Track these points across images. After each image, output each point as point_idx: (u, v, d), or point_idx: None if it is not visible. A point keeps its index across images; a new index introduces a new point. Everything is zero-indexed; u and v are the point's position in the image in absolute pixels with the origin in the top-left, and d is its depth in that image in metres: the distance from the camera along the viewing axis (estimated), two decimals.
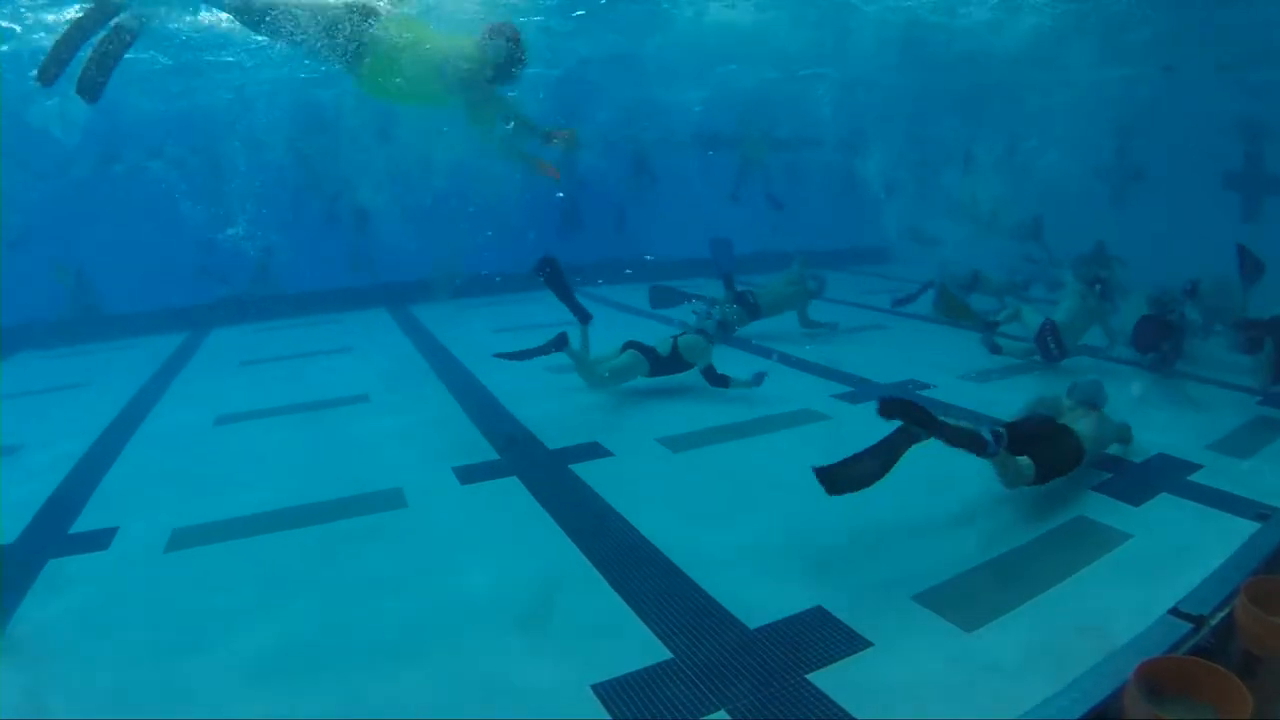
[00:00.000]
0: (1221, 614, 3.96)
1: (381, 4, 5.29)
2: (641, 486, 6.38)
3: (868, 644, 4.19)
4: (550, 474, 6.66)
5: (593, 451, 7.10)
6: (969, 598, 4.65)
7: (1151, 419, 7.69)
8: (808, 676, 3.92)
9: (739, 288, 12.01)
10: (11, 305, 12.58)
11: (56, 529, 5.90)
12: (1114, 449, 6.77)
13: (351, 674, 4.02)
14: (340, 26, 5.09)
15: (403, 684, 3.94)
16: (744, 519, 5.78)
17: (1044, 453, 5.70)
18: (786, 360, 10.40)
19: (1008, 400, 7.72)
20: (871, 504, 5.90)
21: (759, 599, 4.64)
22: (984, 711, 3.63)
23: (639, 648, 4.21)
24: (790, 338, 11.66)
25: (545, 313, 14.47)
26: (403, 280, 16.71)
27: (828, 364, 10.11)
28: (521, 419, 8.05)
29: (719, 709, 3.70)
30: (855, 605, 4.55)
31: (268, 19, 5.10)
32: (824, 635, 4.28)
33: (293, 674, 4.03)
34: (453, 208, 18.85)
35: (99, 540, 5.65)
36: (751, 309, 11.74)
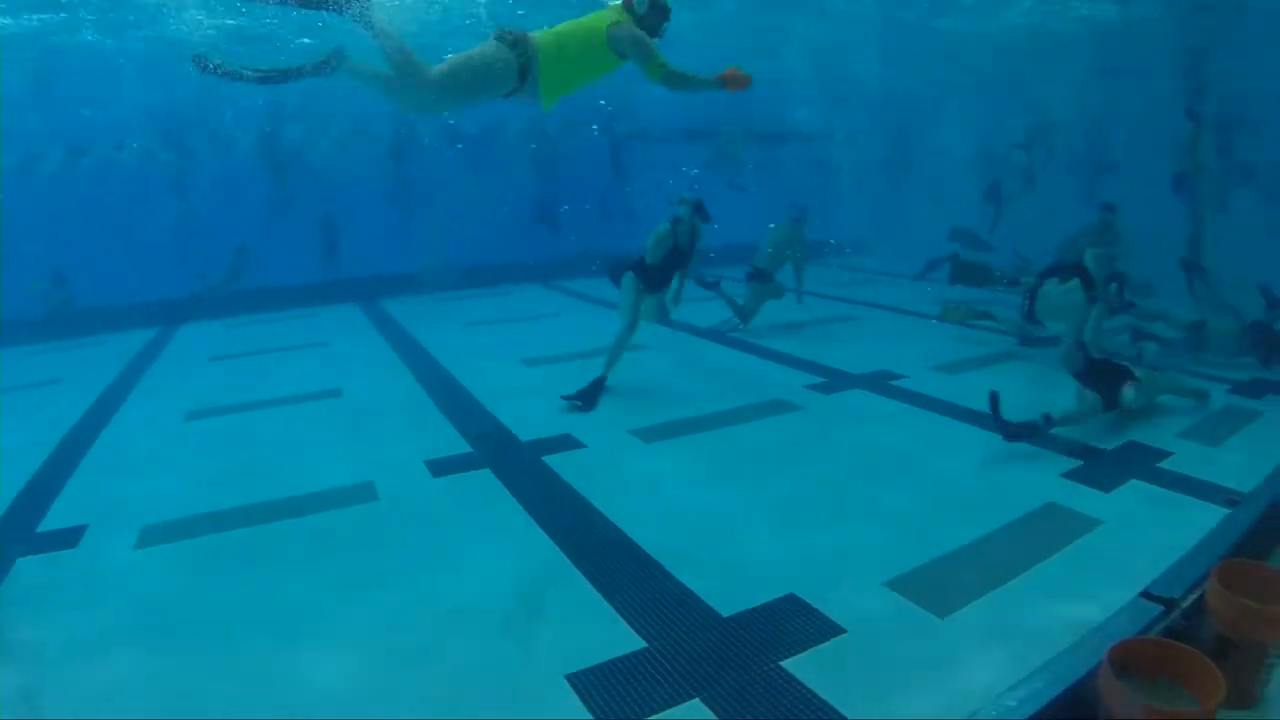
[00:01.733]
0: (1193, 597, 3.98)
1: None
2: (614, 477, 6.35)
3: (841, 630, 4.19)
4: (523, 466, 6.62)
5: (565, 443, 7.06)
6: (941, 584, 4.66)
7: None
8: (781, 663, 3.91)
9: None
10: None
11: (24, 527, 5.80)
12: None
13: (324, 665, 3.98)
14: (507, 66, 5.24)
15: (375, 673, 3.90)
16: (716, 508, 5.78)
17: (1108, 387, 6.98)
18: (759, 351, 10.40)
19: (978, 390, 7.76)
20: (844, 492, 5.98)
21: (731, 587, 4.62)
22: (959, 696, 3.63)
23: (612, 637, 4.18)
24: (762, 330, 11.64)
25: (517, 306, 14.54)
26: (376, 274, 16.60)
27: (800, 355, 10.11)
28: (494, 411, 8.00)
29: (693, 697, 3.68)
30: (828, 592, 4.55)
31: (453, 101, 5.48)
32: (797, 622, 4.27)
33: (265, 669, 3.98)
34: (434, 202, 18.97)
35: (67, 538, 5.55)
36: None
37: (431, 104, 5.43)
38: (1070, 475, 6.22)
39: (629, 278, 8.58)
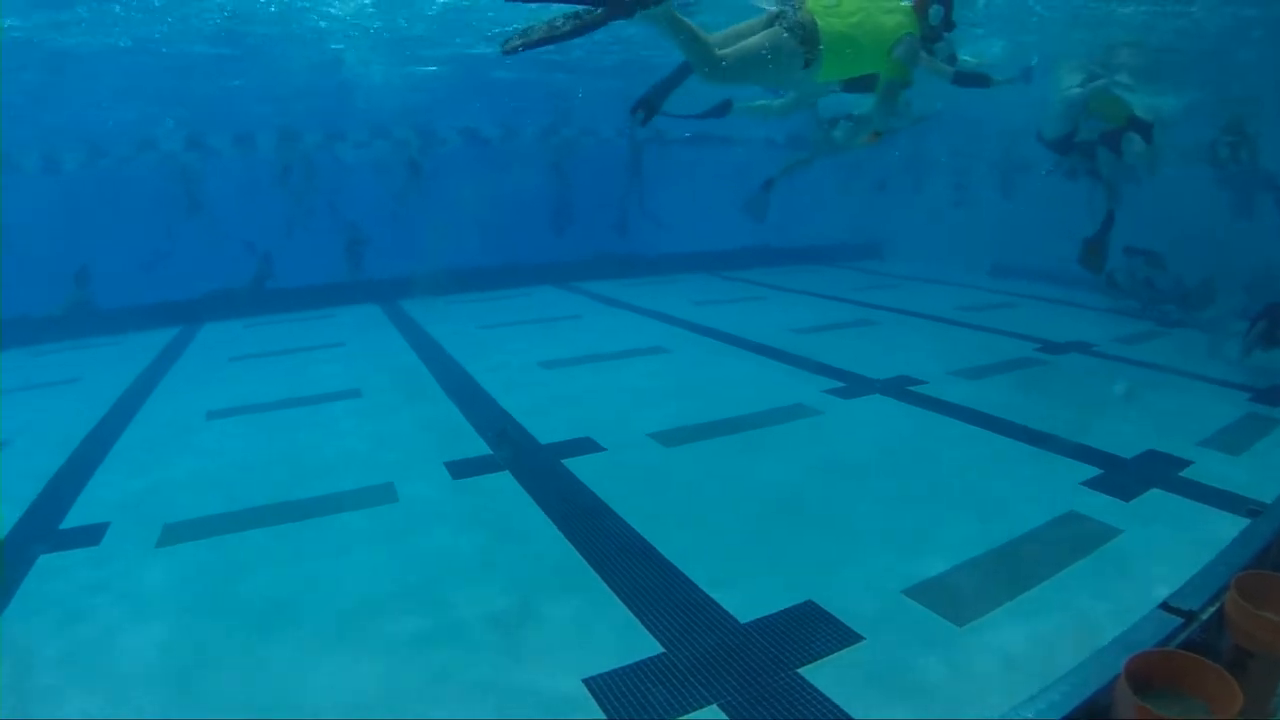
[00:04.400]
0: (1212, 609, 3.96)
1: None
2: (634, 481, 6.36)
3: (859, 638, 4.20)
4: (542, 469, 6.65)
5: (585, 446, 7.09)
6: (960, 593, 4.65)
7: (1142, 415, 7.76)
8: (799, 671, 3.92)
9: None
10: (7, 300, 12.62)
11: (47, 525, 5.87)
12: None
13: (352, 667, 4.03)
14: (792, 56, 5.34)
15: (401, 674, 3.94)
16: (736, 513, 5.78)
17: None
18: (778, 355, 10.41)
19: (997, 395, 7.77)
20: (861, 500, 5.97)
21: (750, 593, 4.64)
22: (976, 705, 3.64)
23: (631, 642, 4.21)
24: (780, 334, 11.65)
25: (536, 307, 14.59)
26: (396, 276, 16.70)
27: (819, 359, 10.10)
28: (513, 414, 8.03)
29: (711, 703, 3.70)
30: (846, 600, 4.55)
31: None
32: (815, 629, 4.28)
33: (285, 673, 4.03)
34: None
35: (90, 536, 5.62)
36: None
37: (726, 82, 5.46)
38: (1090, 484, 6.20)
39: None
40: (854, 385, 8.94)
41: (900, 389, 8.76)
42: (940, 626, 4.32)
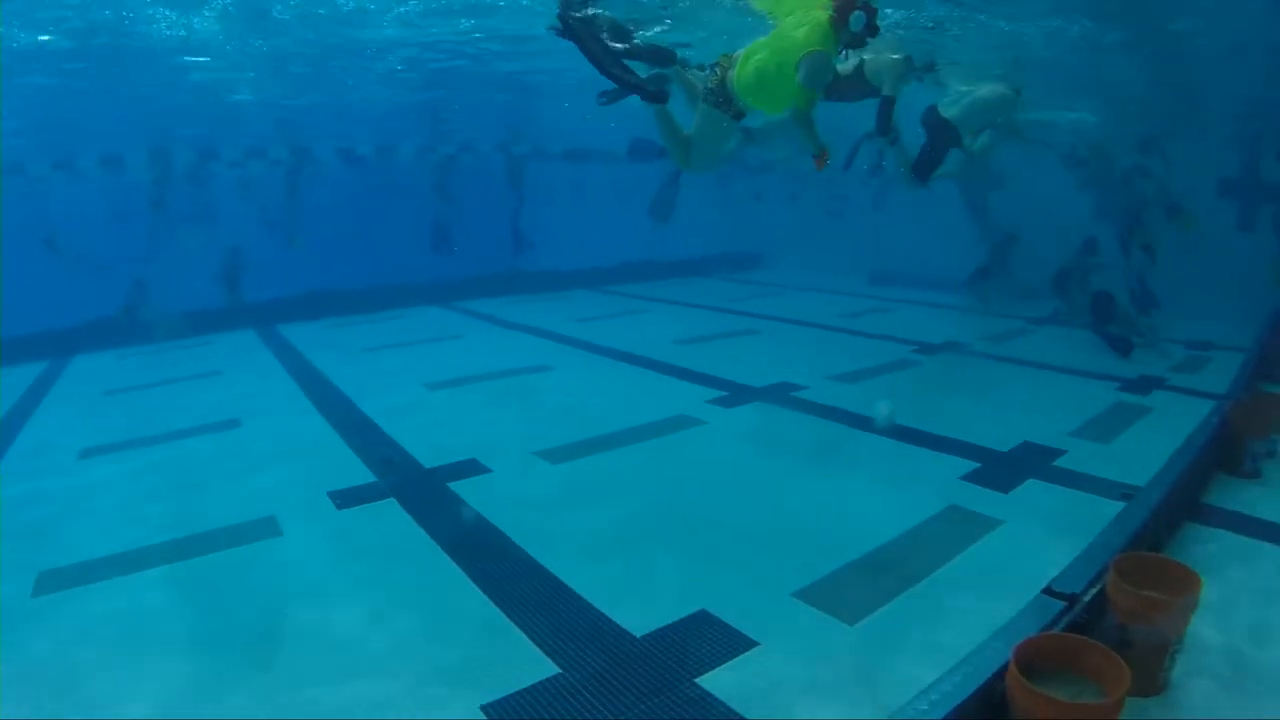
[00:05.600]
0: (1093, 591, 4.07)
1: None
2: (521, 501, 6.24)
3: (754, 643, 4.19)
4: (428, 494, 6.47)
5: (471, 469, 6.93)
6: (849, 591, 4.70)
7: (1015, 409, 8.02)
8: (697, 680, 3.88)
9: None
10: None
11: None
12: None
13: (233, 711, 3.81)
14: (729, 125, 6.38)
15: (290, 713, 3.75)
16: (624, 528, 5.72)
17: None
18: (662, 368, 10.42)
19: (877, 397, 7.93)
20: (745, 506, 6.01)
21: (644, 607, 4.58)
22: (873, 699, 3.66)
23: (527, 664, 4.10)
24: (666, 347, 11.68)
25: (418, 328, 14.32)
26: (273, 299, 16.15)
27: (701, 369, 10.15)
28: (397, 439, 7.81)
29: None
30: (738, 607, 4.54)
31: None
32: (710, 638, 4.25)
33: None
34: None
35: None
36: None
37: (700, 166, 6.67)
38: (969, 478, 6.35)
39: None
40: (736, 394, 9.00)
41: (782, 395, 8.86)
42: (832, 626, 4.34)
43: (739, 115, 6.10)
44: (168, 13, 9.83)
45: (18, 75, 12.13)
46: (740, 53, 6.06)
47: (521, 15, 10.40)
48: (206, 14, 9.97)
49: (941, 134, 8.57)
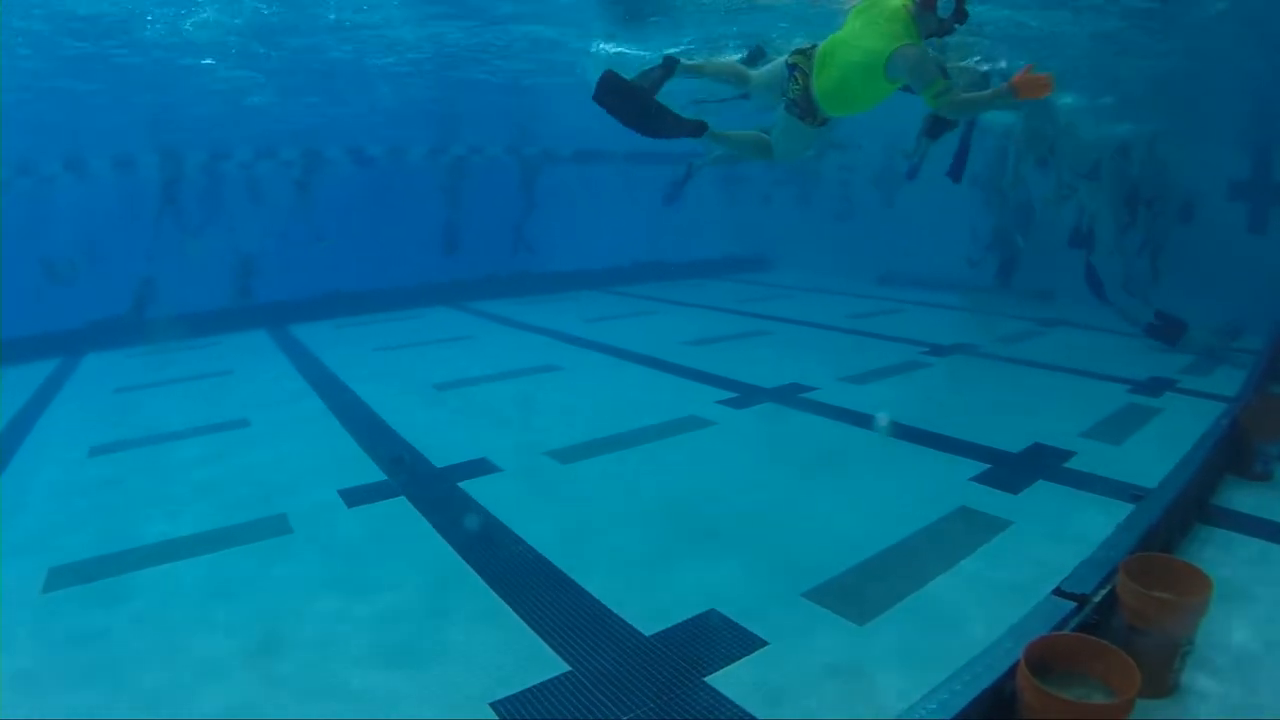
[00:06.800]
0: (1103, 592, 4.06)
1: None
2: (531, 501, 6.26)
3: (763, 643, 4.19)
4: (439, 493, 6.49)
5: (481, 468, 6.96)
6: (858, 591, 4.70)
7: (1026, 411, 8.00)
8: (706, 679, 3.89)
9: None
10: None
11: None
12: None
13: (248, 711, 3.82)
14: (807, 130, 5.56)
15: (301, 713, 3.77)
16: (633, 527, 5.74)
17: None
18: (671, 369, 10.43)
19: (887, 399, 7.92)
20: (755, 506, 6.02)
21: (653, 606, 4.59)
22: (883, 699, 3.66)
23: (537, 662, 4.11)
24: (674, 348, 11.70)
25: (429, 329, 14.35)
26: (284, 300, 16.20)
27: (711, 370, 10.17)
28: (408, 438, 7.84)
29: (620, 718, 3.63)
30: (747, 606, 4.55)
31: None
32: (720, 637, 4.26)
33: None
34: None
35: None
36: None
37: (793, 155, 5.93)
38: (980, 479, 6.35)
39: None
40: (746, 395, 9.01)
41: (792, 396, 8.86)
42: (842, 626, 4.34)
43: (823, 123, 5.52)
44: (168, 11, 9.89)
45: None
46: (816, 50, 5.39)
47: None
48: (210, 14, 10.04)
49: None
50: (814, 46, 5.38)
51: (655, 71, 5.49)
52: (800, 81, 5.36)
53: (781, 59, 5.58)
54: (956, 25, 5.17)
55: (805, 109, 5.39)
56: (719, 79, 5.90)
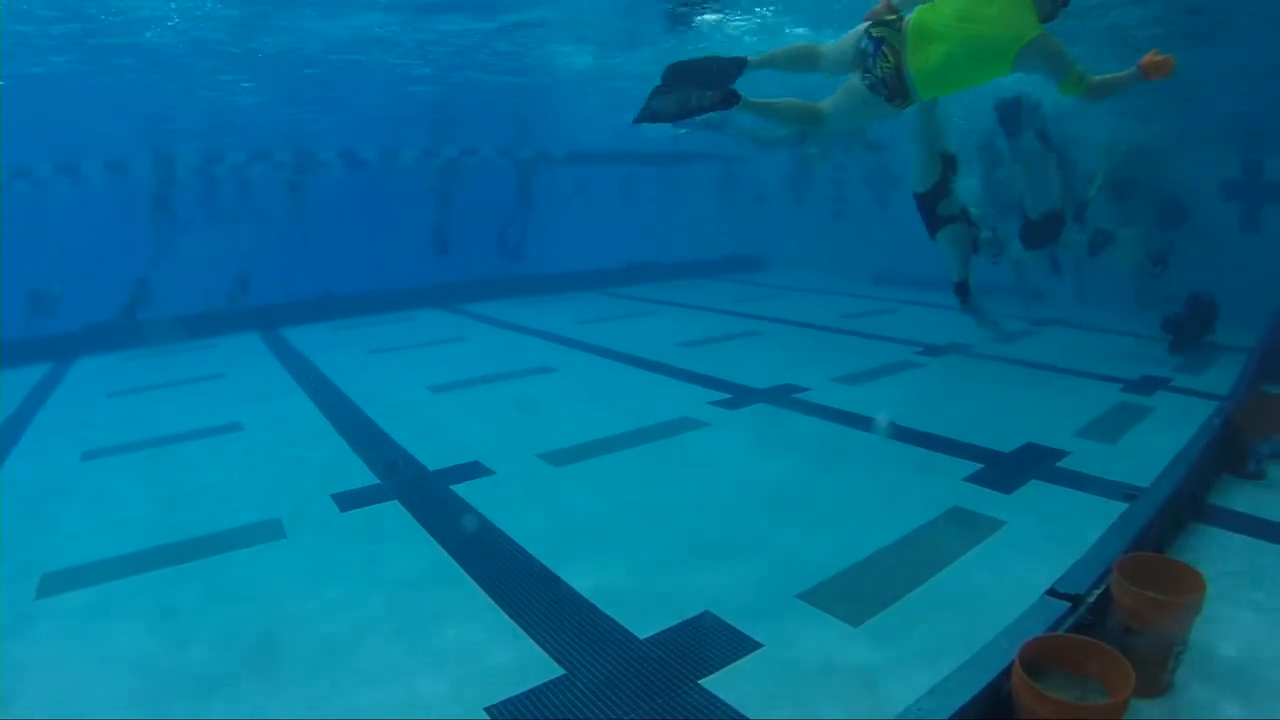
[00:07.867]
0: (1097, 592, 4.06)
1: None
2: (524, 503, 6.25)
3: (758, 645, 4.18)
4: (432, 496, 6.47)
5: (474, 471, 6.94)
6: (852, 593, 4.69)
7: (1019, 410, 8.01)
8: (701, 682, 3.87)
9: None
10: None
11: None
12: None
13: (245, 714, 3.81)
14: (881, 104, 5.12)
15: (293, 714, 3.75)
16: (627, 529, 5.73)
17: None
18: (663, 370, 10.43)
19: (880, 399, 7.92)
20: (748, 506, 6.00)
21: (647, 608, 4.58)
22: (878, 700, 3.66)
23: (531, 666, 4.10)
24: (667, 349, 11.69)
25: (421, 331, 14.33)
26: (276, 302, 16.17)
27: (704, 371, 10.17)
28: (400, 441, 7.82)
29: None
30: (742, 608, 4.54)
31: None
32: (714, 640, 4.25)
33: None
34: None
35: None
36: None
37: (841, 131, 5.46)
38: (972, 479, 6.35)
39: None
40: (739, 396, 9.00)
41: (785, 397, 8.86)
42: (836, 627, 4.34)
43: (908, 104, 5.09)
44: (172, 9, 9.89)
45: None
46: (906, 24, 4.97)
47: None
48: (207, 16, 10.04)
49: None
50: (900, 18, 5.01)
51: (725, 61, 5.22)
52: (891, 59, 4.95)
53: (858, 29, 5.14)
54: (1062, 7, 4.93)
55: (895, 89, 5.01)
56: (793, 66, 5.49)
